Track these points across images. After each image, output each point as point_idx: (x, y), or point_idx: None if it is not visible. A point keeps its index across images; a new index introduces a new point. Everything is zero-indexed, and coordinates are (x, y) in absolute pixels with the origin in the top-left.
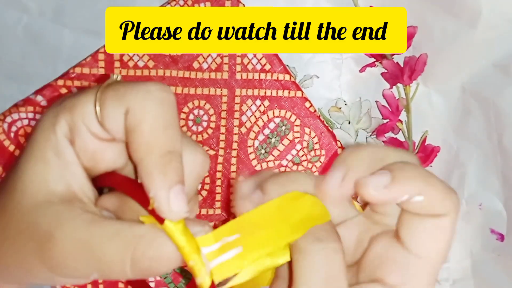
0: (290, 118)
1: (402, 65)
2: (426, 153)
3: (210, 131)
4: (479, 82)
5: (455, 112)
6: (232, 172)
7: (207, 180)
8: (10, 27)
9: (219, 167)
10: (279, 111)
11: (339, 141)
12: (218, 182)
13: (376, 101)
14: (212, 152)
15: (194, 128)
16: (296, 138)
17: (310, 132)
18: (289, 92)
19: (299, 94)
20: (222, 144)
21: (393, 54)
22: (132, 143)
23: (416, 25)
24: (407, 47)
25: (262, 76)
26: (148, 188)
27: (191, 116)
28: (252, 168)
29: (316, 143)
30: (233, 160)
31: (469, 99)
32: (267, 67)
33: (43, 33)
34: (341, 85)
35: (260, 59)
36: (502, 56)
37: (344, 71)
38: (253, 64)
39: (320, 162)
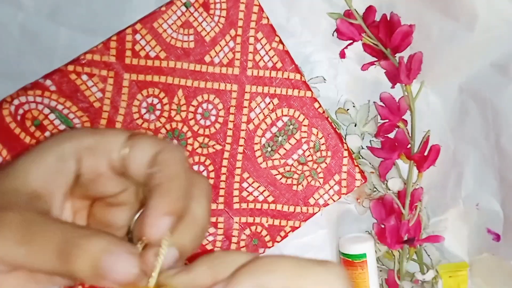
0: (298, 117)
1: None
2: (428, 153)
3: (217, 125)
4: (477, 82)
5: (453, 112)
6: (237, 168)
7: (212, 174)
8: (5, 24)
9: (225, 162)
10: (288, 110)
11: (345, 143)
12: (223, 177)
13: (374, 102)
14: (218, 147)
15: (202, 121)
16: (303, 138)
17: (317, 132)
18: (299, 92)
19: (308, 94)
20: (229, 140)
21: (394, 54)
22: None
23: (413, 23)
24: (405, 46)
25: (273, 74)
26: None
27: (200, 110)
28: (257, 166)
29: (323, 144)
30: (239, 156)
31: (466, 99)
32: (279, 65)
33: (39, 31)
34: (337, 85)
35: (272, 56)
36: (500, 56)
37: (341, 71)
38: (264, 62)
39: (326, 163)
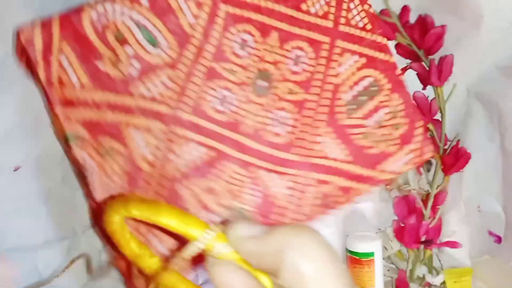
0: (381, 80)
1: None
2: (458, 158)
3: (307, 74)
4: (483, 84)
5: (458, 113)
6: (320, 121)
7: (293, 122)
8: None
9: (309, 113)
10: (373, 71)
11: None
12: (306, 128)
13: None
14: (305, 96)
15: (292, 67)
16: (385, 101)
17: (398, 98)
18: (384, 55)
19: (392, 59)
20: (315, 90)
21: (427, 55)
22: None
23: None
24: (439, 47)
25: (363, 34)
26: None
27: (292, 55)
28: (338, 121)
29: (402, 110)
30: (323, 109)
31: (472, 101)
32: (368, 26)
33: None
34: None
35: (363, 18)
36: (506, 58)
37: None
38: (356, 21)
39: (403, 130)
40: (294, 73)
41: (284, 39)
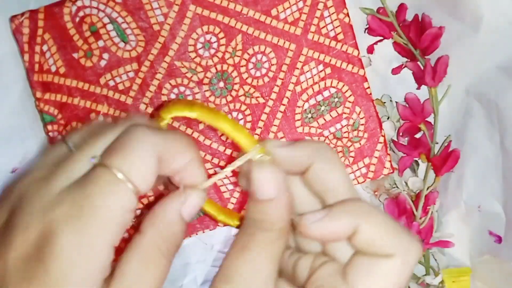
0: (345, 92)
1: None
2: (447, 158)
3: (266, 79)
4: (483, 84)
5: (458, 114)
6: (274, 125)
7: (248, 125)
8: None
9: (263, 117)
10: (337, 83)
11: (383, 129)
12: (258, 131)
13: (396, 102)
14: (261, 100)
15: (252, 71)
16: (345, 113)
17: (360, 112)
18: (352, 67)
19: (361, 72)
20: (273, 96)
21: (424, 55)
22: None
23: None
24: (436, 48)
25: (332, 44)
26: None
27: (253, 60)
28: (294, 129)
29: (362, 124)
30: (279, 115)
31: (472, 101)
32: (340, 36)
33: None
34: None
35: (336, 27)
36: (506, 58)
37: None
38: (327, 30)
39: (360, 144)
40: (254, 77)
41: (248, 43)
